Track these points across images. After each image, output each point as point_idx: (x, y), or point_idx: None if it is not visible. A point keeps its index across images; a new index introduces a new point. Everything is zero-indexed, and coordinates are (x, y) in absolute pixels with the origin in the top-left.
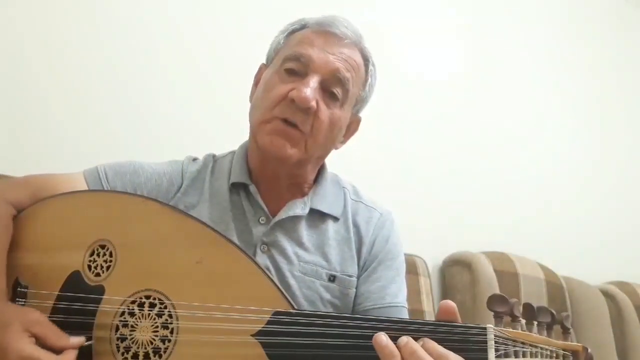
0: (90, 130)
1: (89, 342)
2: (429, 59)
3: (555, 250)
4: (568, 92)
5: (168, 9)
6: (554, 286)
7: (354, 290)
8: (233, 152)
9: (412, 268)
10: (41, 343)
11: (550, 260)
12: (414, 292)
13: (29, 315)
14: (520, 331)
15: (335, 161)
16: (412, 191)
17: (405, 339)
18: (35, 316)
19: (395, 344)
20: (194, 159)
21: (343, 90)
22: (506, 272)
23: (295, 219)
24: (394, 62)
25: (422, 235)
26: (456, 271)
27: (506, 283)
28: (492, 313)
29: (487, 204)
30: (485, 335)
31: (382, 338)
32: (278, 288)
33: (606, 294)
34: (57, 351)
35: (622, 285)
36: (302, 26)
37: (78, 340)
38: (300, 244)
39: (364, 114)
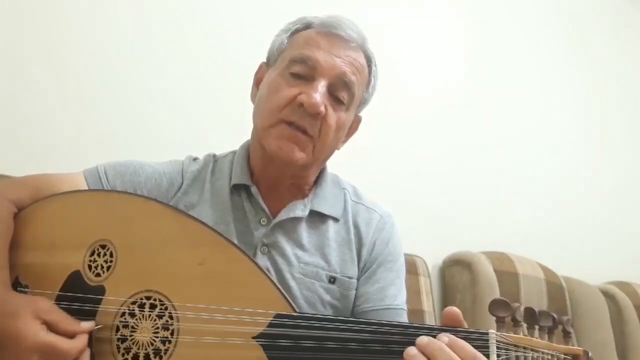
0: (90, 130)
1: (99, 326)
2: (431, 61)
3: (555, 250)
4: (568, 91)
5: (168, 9)
6: (554, 286)
7: (354, 291)
8: (234, 152)
9: (412, 268)
10: (53, 329)
11: (550, 260)
12: (414, 292)
13: (38, 303)
14: (521, 336)
15: (336, 161)
16: (413, 191)
17: (425, 339)
18: (44, 304)
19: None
20: (195, 159)
21: (349, 94)
22: (506, 272)
23: (296, 220)
24: (395, 64)
25: (422, 235)
26: (456, 271)
27: (506, 283)
28: (494, 318)
29: (487, 204)
30: (487, 340)
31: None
32: (279, 290)
33: (606, 294)
34: (70, 336)
35: (622, 285)
36: (306, 26)
37: (89, 324)
38: (300, 245)
39: (365, 115)
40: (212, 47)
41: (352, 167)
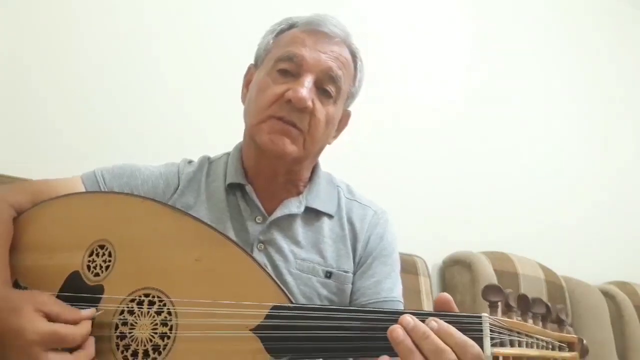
0: (88, 130)
1: (99, 312)
2: (434, 64)
3: (555, 250)
4: (569, 93)
5: (165, 11)
6: (554, 286)
7: (351, 285)
8: (227, 154)
9: (412, 268)
10: (55, 320)
11: (550, 260)
12: (414, 292)
13: (37, 297)
14: (515, 320)
15: (338, 161)
16: (413, 191)
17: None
18: (44, 297)
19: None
20: (190, 162)
21: (336, 87)
22: (506, 272)
23: (291, 217)
24: (396, 66)
25: (422, 235)
26: (456, 271)
27: (506, 283)
28: (487, 303)
29: (487, 204)
30: (481, 324)
31: (399, 332)
32: (276, 284)
33: (606, 294)
34: (73, 324)
35: (622, 285)
36: (290, 26)
37: (90, 311)
38: (296, 241)
39: (367, 117)
40: (206, 48)
41: (354, 167)
